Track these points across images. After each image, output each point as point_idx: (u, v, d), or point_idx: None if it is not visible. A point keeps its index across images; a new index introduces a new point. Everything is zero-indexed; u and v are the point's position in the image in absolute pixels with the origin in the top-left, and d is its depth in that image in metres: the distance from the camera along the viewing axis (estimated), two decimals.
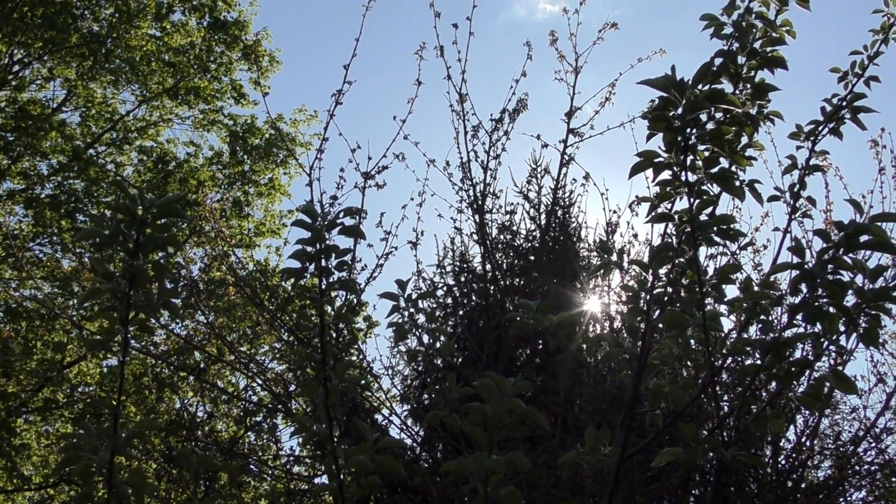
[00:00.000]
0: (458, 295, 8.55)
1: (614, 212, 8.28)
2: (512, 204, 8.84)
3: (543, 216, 8.64)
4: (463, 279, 8.62)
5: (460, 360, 8.00)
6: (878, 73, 3.94)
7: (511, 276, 8.54)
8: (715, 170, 2.95)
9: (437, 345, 4.50)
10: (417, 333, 4.23)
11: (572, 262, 8.44)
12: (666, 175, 3.07)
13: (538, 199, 8.72)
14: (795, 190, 3.83)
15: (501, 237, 8.67)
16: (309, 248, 3.07)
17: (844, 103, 3.85)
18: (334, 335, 7.09)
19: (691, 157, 2.91)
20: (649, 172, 3.06)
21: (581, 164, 11.39)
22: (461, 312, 8.45)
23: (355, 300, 7.91)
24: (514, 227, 8.70)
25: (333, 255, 3.08)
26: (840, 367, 4.15)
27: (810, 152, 3.88)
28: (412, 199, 7.88)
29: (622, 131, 8.07)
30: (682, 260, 3.08)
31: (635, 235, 8.01)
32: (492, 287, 7.98)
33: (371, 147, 7.46)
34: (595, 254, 8.53)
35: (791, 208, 3.85)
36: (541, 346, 8.03)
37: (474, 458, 2.88)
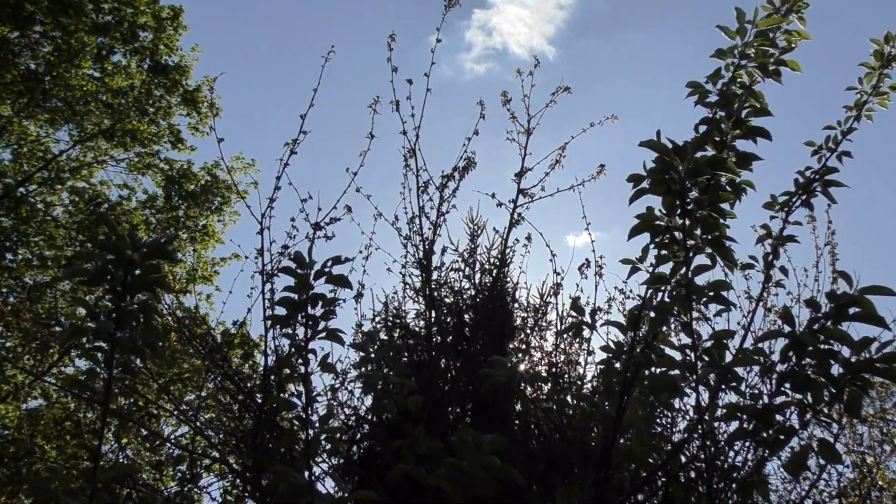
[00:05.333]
0: (392, 352, 8.42)
1: (557, 273, 8.28)
2: (456, 261, 8.77)
3: (478, 275, 8.59)
4: (396, 335, 8.51)
5: (390, 417, 7.88)
6: (852, 148, 4.02)
7: (448, 334, 8.46)
8: (712, 235, 2.97)
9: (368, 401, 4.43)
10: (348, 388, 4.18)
11: (509, 321, 8.39)
12: (645, 236, 3.09)
13: (473, 259, 8.68)
14: (769, 260, 3.88)
15: (443, 294, 8.57)
16: (294, 296, 3.02)
17: (817, 176, 3.92)
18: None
19: (689, 221, 2.93)
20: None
21: (532, 222, 11.44)
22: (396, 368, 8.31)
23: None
24: (455, 286, 8.63)
25: (320, 302, 3.03)
26: (830, 436, 4.17)
27: (784, 223, 3.94)
28: (360, 251, 7.82)
29: (571, 193, 8.05)
30: (670, 322, 3.09)
31: (577, 298, 8.01)
32: (428, 344, 7.90)
33: (322, 198, 7.38)
34: (529, 315, 8.50)
35: (765, 277, 3.90)
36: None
37: None
